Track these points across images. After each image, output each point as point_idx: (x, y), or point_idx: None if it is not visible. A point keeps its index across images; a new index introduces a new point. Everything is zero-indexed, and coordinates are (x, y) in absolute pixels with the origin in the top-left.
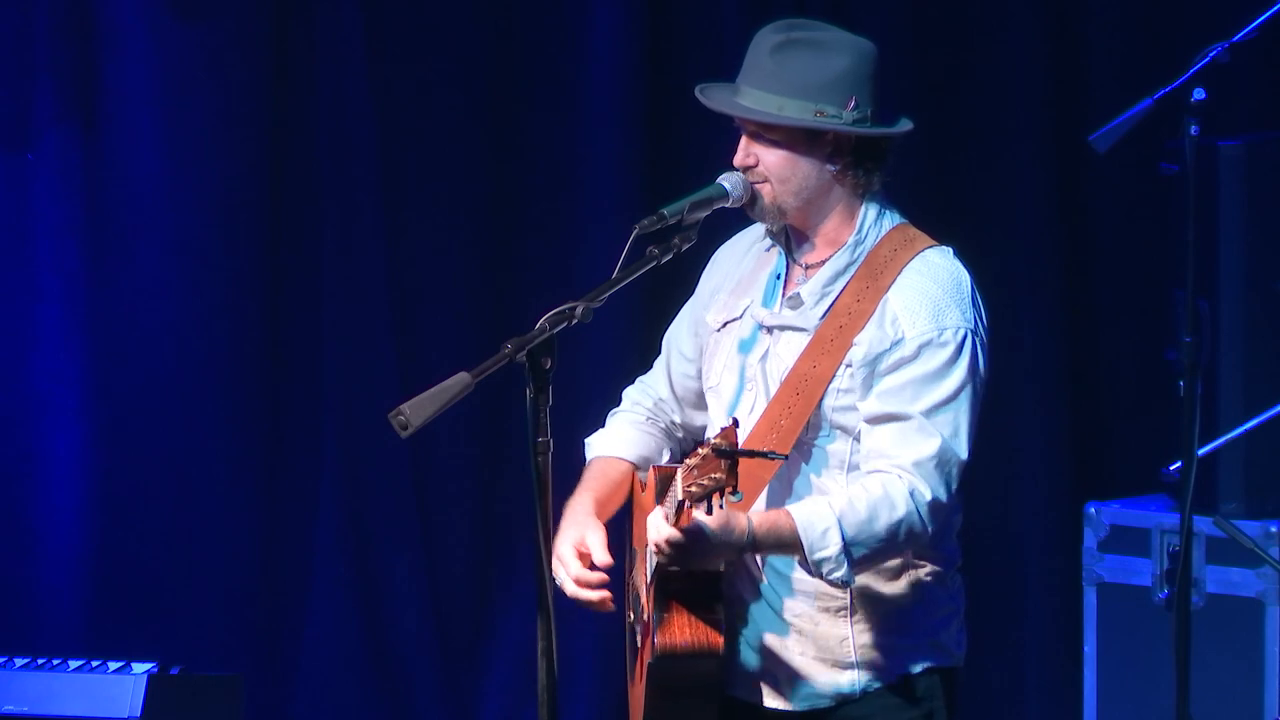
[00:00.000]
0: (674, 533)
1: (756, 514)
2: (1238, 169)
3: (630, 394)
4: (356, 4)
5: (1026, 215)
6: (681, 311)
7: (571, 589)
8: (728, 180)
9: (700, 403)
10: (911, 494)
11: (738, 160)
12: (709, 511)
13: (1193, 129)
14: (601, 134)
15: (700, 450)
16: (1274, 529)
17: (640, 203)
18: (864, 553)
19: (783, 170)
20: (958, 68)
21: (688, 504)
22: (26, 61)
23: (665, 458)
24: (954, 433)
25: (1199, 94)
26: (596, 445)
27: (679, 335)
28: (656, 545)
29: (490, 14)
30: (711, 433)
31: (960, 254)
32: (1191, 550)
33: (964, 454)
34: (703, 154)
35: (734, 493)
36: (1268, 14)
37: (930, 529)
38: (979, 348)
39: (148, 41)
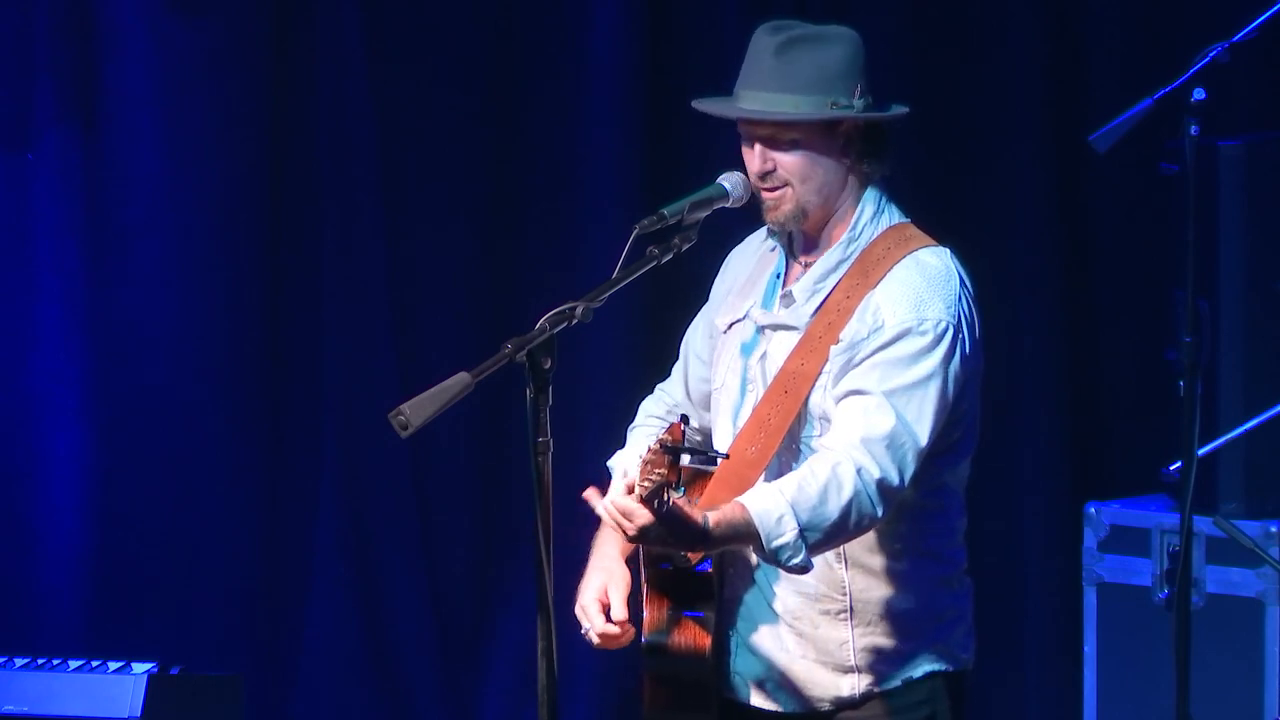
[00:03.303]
0: (635, 507)
1: (713, 511)
2: (1238, 169)
3: (645, 406)
4: (356, 4)
5: (1026, 215)
6: (698, 315)
7: (596, 642)
8: (728, 180)
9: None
10: (859, 473)
11: (755, 168)
12: (660, 508)
13: (1193, 129)
14: (601, 134)
15: (652, 445)
16: (1274, 529)
17: (640, 202)
18: (818, 537)
19: (804, 170)
20: (958, 68)
21: (641, 499)
22: (26, 61)
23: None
24: (916, 417)
25: (1199, 94)
26: (618, 469)
27: (695, 339)
28: (607, 510)
29: (490, 14)
30: (718, 434)
31: (957, 254)
32: (1191, 550)
33: (922, 440)
34: (703, 154)
35: (676, 487)
36: (1268, 14)
37: (881, 510)
38: (960, 342)
39: (148, 41)
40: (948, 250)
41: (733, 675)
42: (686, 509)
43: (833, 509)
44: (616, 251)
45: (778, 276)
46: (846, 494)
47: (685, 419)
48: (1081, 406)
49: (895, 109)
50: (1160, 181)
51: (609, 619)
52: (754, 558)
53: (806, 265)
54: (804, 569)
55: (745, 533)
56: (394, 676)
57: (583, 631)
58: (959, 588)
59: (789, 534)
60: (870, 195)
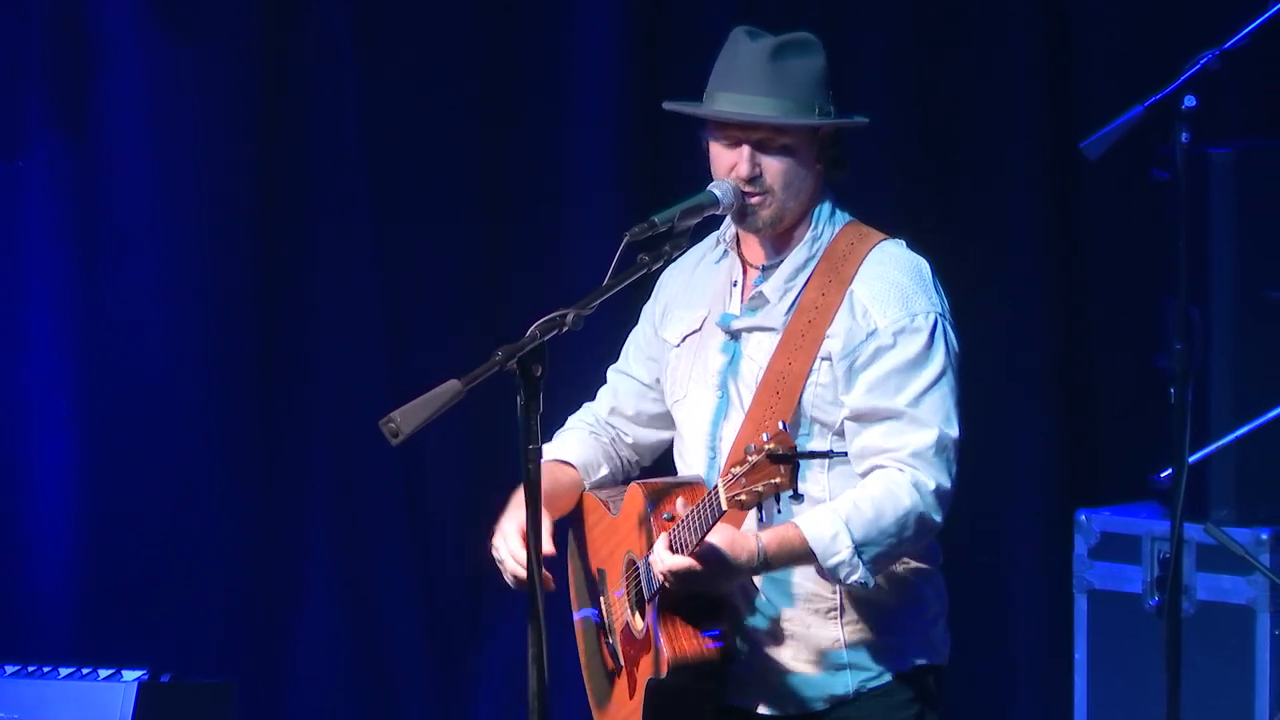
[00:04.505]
0: (681, 561)
1: (765, 532)
2: (1228, 176)
3: (573, 418)
4: (348, 11)
5: (1018, 220)
6: (627, 343)
7: (511, 565)
8: (718, 187)
9: (653, 424)
10: (915, 485)
11: (743, 172)
12: (761, 517)
13: (1184, 136)
14: (594, 140)
15: (749, 457)
16: (1264, 536)
17: (632, 208)
18: (877, 551)
19: (789, 176)
20: (951, 72)
21: (728, 510)
22: (18, 68)
23: (604, 470)
24: (945, 418)
25: (1190, 101)
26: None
27: (626, 361)
28: (664, 575)
29: (483, 19)
30: (687, 446)
31: (913, 246)
32: (1182, 557)
33: (956, 433)
34: (695, 160)
35: (795, 496)
36: (1259, 21)
37: (940, 517)
38: (949, 330)
39: (139, 48)
40: (904, 241)
41: (728, 680)
42: (740, 535)
43: (889, 522)
44: (608, 258)
45: (735, 284)
46: (904, 505)
47: (785, 425)
48: (1073, 413)
49: (857, 117)
50: (1152, 188)
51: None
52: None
53: (766, 268)
54: (865, 585)
55: (801, 553)
56: (386, 683)
57: (497, 559)
58: (938, 582)
59: (844, 551)
60: (826, 195)
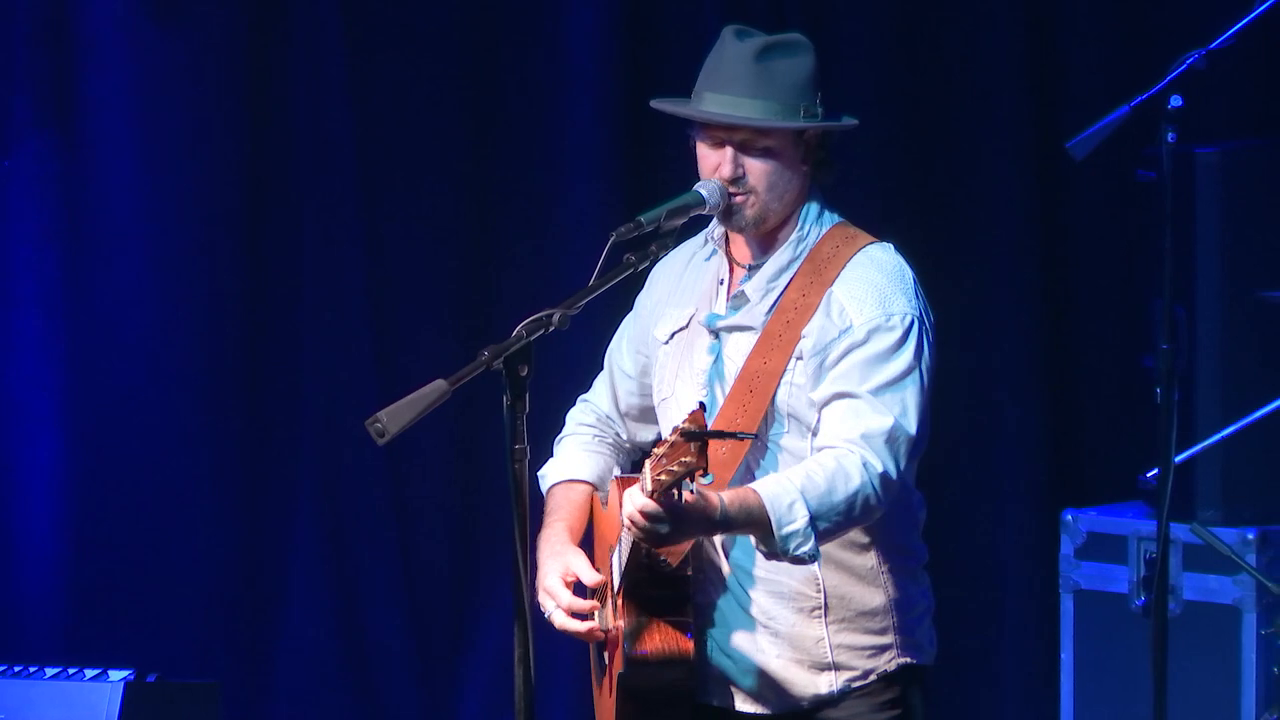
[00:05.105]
0: (649, 503)
1: (725, 491)
2: (1214, 176)
3: (574, 415)
4: (335, 10)
5: (1005, 221)
6: (620, 329)
7: (560, 620)
8: (704, 187)
9: (645, 418)
10: (864, 466)
11: (726, 173)
12: (679, 498)
13: (1170, 136)
14: (582, 140)
15: (669, 437)
16: (1251, 536)
17: (619, 208)
18: (826, 526)
19: (773, 177)
20: (937, 74)
21: (656, 492)
22: (3, 68)
23: (616, 474)
24: (903, 411)
25: (1176, 101)
26: (551, 474)
27: (619, 353)
28: (630, 518)
29: (469, 18)
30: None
31: (901, 249)
32: (1169, 557)
33: (913, 431)
34: (682, 159)
35: (705, 474)
36: (1245, 21)
37: (883, 503)
38: (925, 335)
39: (125, 48)
40: (891, 245)
41: (709, 680)
42: (703, 493)
43: (840, 498)
44: (595, 258)
45: (721, 282)
46: (854, 484)
47: (702, 405)
48: (1059, 413)
49: (846, 119)
50: (1138, 188)
51: (577, 591)
52: (724, 563)
53: (751, 268)
54: (811, 558)
55: (757, 518)
56: (372, 684)
57: (546, 615)
58: (923, 582)
59: (800, 521)
60: (814, 196)
